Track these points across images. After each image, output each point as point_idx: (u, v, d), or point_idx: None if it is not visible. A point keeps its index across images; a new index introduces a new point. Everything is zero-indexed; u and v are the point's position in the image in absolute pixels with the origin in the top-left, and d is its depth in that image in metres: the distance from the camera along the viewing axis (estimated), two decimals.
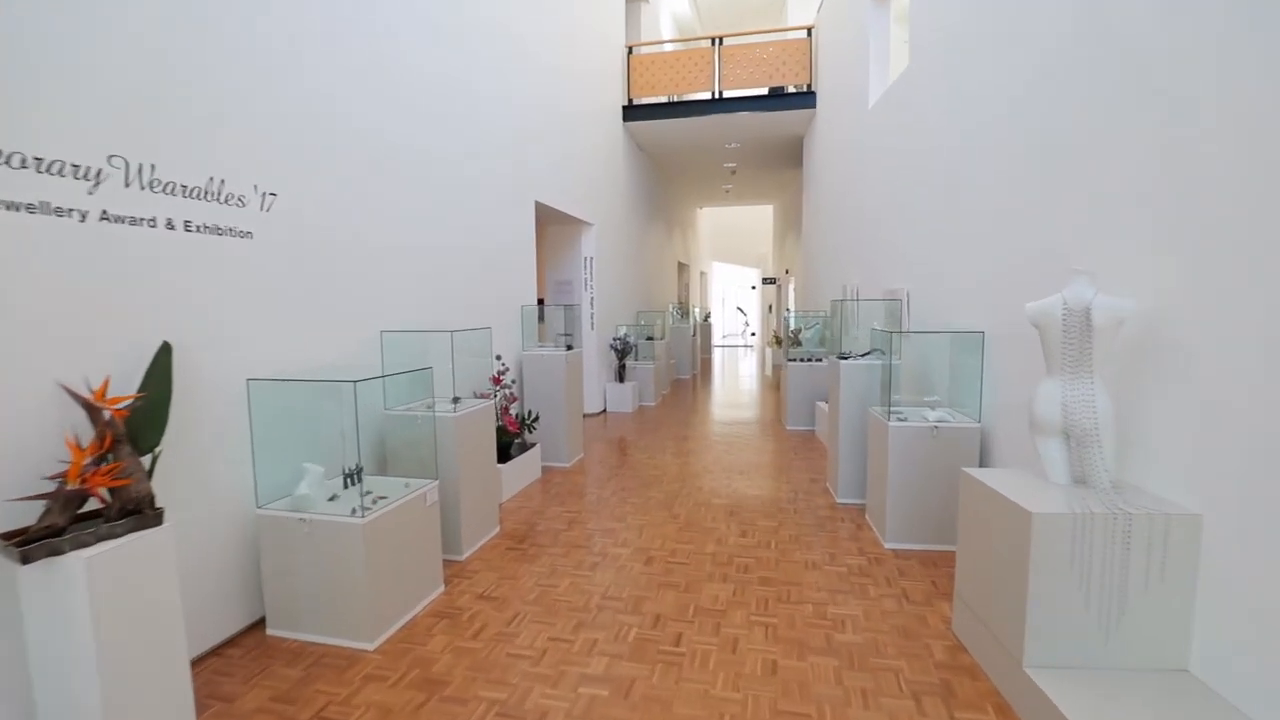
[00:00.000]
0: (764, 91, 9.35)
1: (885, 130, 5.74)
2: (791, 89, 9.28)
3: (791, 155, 11.33)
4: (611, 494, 4.87)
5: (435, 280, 4.44)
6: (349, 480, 3.09)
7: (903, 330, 4.77)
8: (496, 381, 4.95)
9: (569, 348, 5.81)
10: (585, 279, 8.10)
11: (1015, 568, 2.27)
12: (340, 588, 2.69)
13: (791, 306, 14.18)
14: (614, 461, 5.88)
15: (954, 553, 3.57)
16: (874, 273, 6.03)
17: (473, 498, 3.75)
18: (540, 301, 8.29)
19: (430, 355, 3.82)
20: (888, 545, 3.74)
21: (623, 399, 8.55)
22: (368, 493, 3.00)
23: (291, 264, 3.08)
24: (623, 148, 9.53)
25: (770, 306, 19.90)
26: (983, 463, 3.65)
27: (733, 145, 10.67)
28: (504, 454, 4.91)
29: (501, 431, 4.85)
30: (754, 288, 22.62)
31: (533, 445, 5.31)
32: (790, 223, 13.98)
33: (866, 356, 4.73)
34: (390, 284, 3.91)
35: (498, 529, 4.09)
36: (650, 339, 10.05)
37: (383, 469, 3.67)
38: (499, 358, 5.06)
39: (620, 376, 8.68)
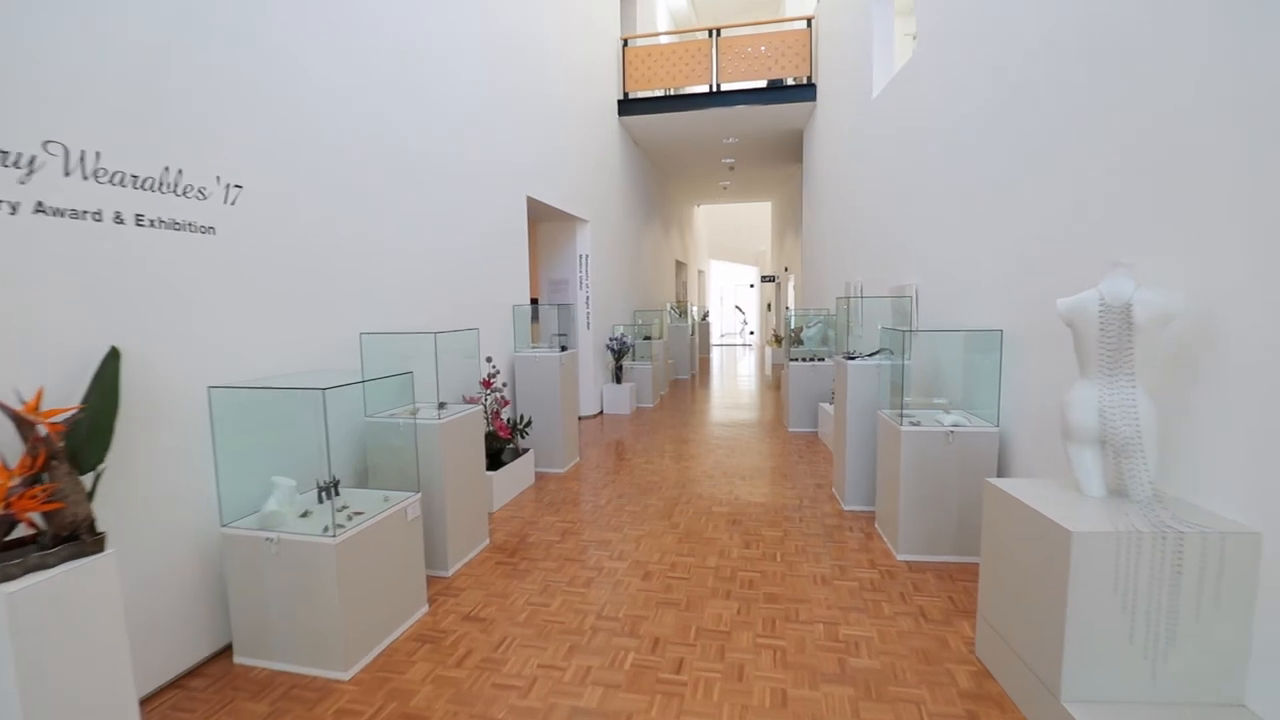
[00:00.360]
0: (763, 84, 9.13)
1: (890, 120, 5.53)
2: (790, 81, 9.07)
3: (791, 150, 11.12)
4: (608, 502, 4.65)
5: (420, 280, 4.22)
6: (324, 494, 2.87)
7: (913, 329, 4.55)
8: (487, 385, 4.73)
9: (563, 349, 5.59)
10: (580, 278, 7.88)
11: (1050, 591, 2.06)
12: (312, 613, 2.47)
13: (791, 304, 13.98)
14: (611, 467, 5.67)
15: (972, 565, 3.37)
16: (879, 269, 5.82)
17: (460, 509, 3.54)
18: (534, 301, 8.07)
19: (415, 359, 3.60)
20: (900, 557, 3.53)
21: (620, 401, 8.34)
22: (343, 508, 2.78)
23: (260, 262, 2.86)
24: (618, 143, 9.31)
25: (769, 305, 19.72)
26: (1001, 470, 3.44)
27: (731, 140, 10.46)
28: (495, 461, 4.69)
29: (492, 437, 4.64)
30: (752, 286, 22.43)
31: (525, 451, 5.09)
32: (789, 220, 13.78)
33: (874, 356, 4.52)
34: (371, 283, 3.68)
35: (487, 541, 3.87)
36: (648, 339, 9.84)
37: (364, 481, 3.45)
38: (489, 360, 4.84)
39: (617, 377, 8.47)
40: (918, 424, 3.54)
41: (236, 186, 2.74)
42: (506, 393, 5.39)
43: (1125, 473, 2.18)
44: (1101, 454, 2.29)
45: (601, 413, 8.36)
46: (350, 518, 2.66)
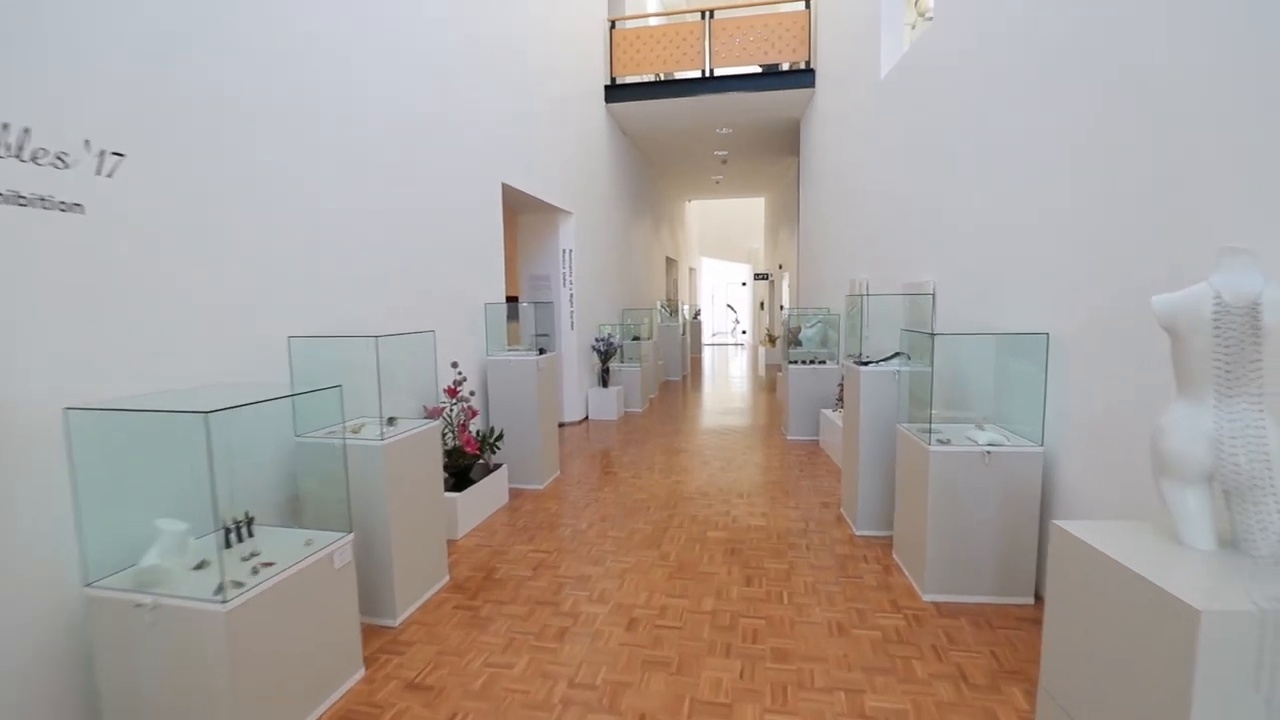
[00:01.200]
0: (758, 70, 8.63)
1: (901, 103, 5.03)
2: (786, 67, 8.57)
3: (787, 142, 10.63)
4: (589, 526, 4.12)
5: (375, 274, 3.67)
6: (231, 537, 2.32)
7: (935, 331, 4.05)
8: (451, 393, 4.19)
9: (541, 351, 5.05)
10: (564, 274, 7.33)
11: (1157, 680, 1.56)
12: (198, 698, 1.93)
13: (786, 303, 13.50)
14: (594, 482, 5.14)
15: (1014, 608, 2.87)
16: (889, 265, 5.32)
17: (410, 545, 3.00)
18: (512, 299, 7.53)
19: (361, 367, 3.06)
20: (927, 597, 3.03)
21: (606, 405, 7.81)
22: (250, 555, 2.23)
23: (149, 249, 2.30)
24: (605, 132, 8.77)
25: (762, 303, 19.26)
26: (1047, 497, 2.94)
27: (724, 131, 9.95)
28: (462, 479, 4.15)
29: (457, 454, 4.09)
30: (744, 284, 21.95)
31: (498, 467, 4.55)
32: (784, 215, 13.29)
33: (890, 361, 4.02)
34: (307, 278, 3.13)
35: (446, 579, 3.33)
36: (636, 339, 9.31)
37: (293, 516, 2.90)
38: (455, 365, 4.30)
39: (603, 381, 7.94)
40: (947, 442, 3.03)
41: (116, 154, 2.18)
42: (476, 401, 4.85)
43: (1246, 520, 1.68)
44: (1211, 495, 1.78)
45: (587, 419, 7.83)
46: (257, 570, 2.11)
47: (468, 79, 4.84)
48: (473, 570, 3.46)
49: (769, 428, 7.26)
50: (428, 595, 3.13)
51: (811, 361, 6.73)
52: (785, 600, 3.07)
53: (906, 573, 3.30)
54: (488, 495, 4.33)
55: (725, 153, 11.53)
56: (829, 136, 7.62)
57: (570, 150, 7.27)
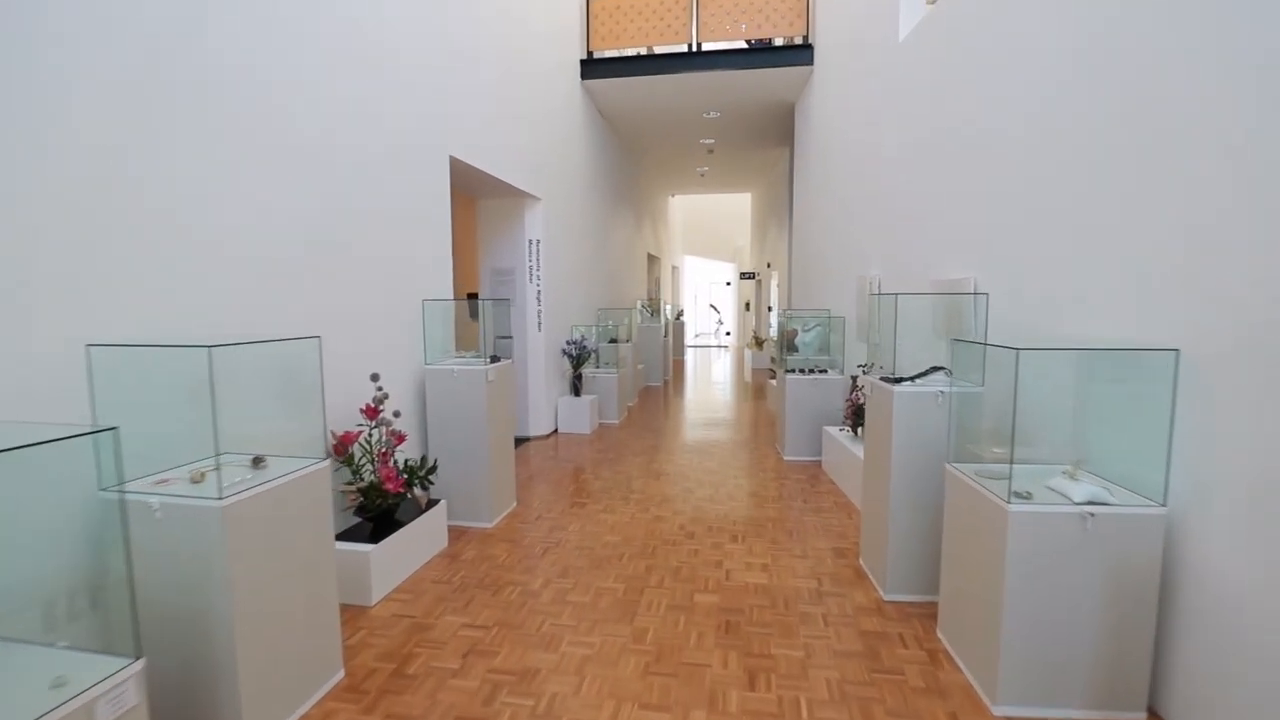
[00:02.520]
0: (751, 45, 7.80)
1: (925, 68, 4.21)
2: (781, 43, 7.75)
3: (778, 129, 9.82)
4: (544, 584, 3.24)
5: (272, 266, 2.75)
6: None
7: (1000, 342, 3.21)
8: (371, 414, 3.28)
9: (493, 359, 4.15)
10: (530, 267, 6.43)
11: None
12: None
13: (774, 303, 12.72)
14: (557, 517, 4.25)
15: None
16: (911, 259, 4.51)
17: (274, 643, 2.09)
18: (472, 296, 6.62)
19: (220, 386, 2.14)
20: (999, 710, 2.20)
21: (579, 417, 6.91)
22: None
23: None
24: (581, 112, 7.87)
25: (748, 304, 18.51)
26: (1168, 576, 2.12)
27: (711, 115, 9.11)
28: (385, 524, 3.25)
29: (375, 493, 3.18)
30: (729, 284, 21.19)
31: (434, 504, 3.64)
32: (773, 211, 12.51)
33: (928, 378, 3.19)
34: (175, 267, 2.21)
35: (340, 675, 2.42)
36: (614, 341, 8.43)
37: (97, 599, 1.97)
38: (375, 379, 3.38)
39: (576, 389, 7.04)
40: (1027, 496, 2.20)
41: None
42: (410, 421, 3.93)
43: None
44: None
45: (556, 432, 6.93)
46: None
47: (410, 44, 3.92)
48: (380, 659, 2.56)
49: (761, 444, 6.43)
50: (304, 709, 2.23)
51: (811, 370, 5.91)
52: (804, 712, 2.21)
53: (963, 667, 2.46)
54: (418, 542, 3.42)
55: (712, 141, 10.70)
56: (830, 117, 6.81)
57: (538, 128, 6.36)
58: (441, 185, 4.41)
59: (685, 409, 8.70)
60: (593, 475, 5.26)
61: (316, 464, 2.33)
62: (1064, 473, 2.34)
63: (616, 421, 7.50)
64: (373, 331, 3.61)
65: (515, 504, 4.47)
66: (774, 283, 12.78)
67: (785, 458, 5.72)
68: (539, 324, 6.50)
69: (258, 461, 2.26)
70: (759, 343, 13.59)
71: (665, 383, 11.40)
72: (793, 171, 10.44)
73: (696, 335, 21.54)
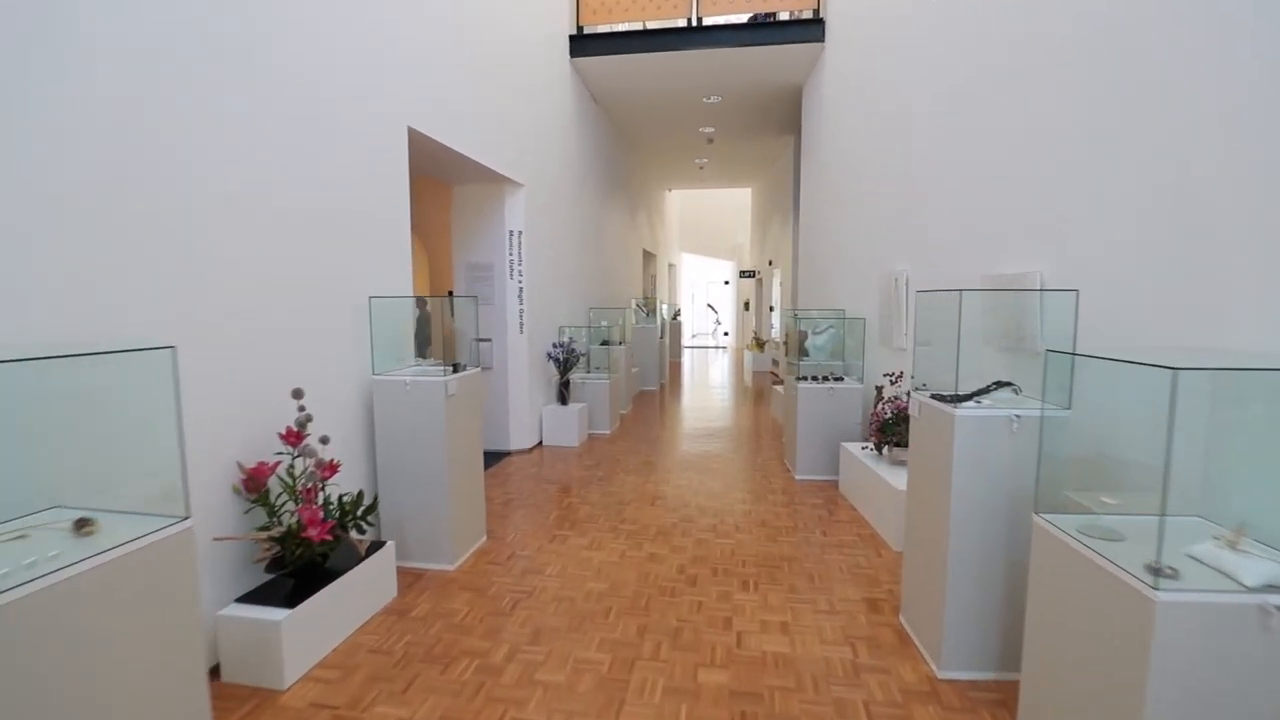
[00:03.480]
0: (755, 19, 7.14)
1: (975, 14, 3.56)
2: (788, 17, 7.09)
3: (783, 116, 9.17)
4: (509, 655, 2.58)
5: (181, 257, 2.08)
6: None
7: (1080, 352, 2.55)
8: (293, 439, 2.61)
9: (455, 368, 3.48)
10: (511, 261, 5.76)
11: None
12: None
13: (777, 302, 12.09)
14: (532, 555, 3.59)
15: None
16: (948, 252, 3.85)
17: None
18: (447, 294, 5.96)
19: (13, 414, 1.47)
20: None
21: (566, 428, 6.25)
22: None
23: None
24: (570, 93, 7.21)
25: (747, 303, 17.88)
26: None
27: (712, 99, 8.46)
28: (308, 580, 2.58)
29: (294, 543, 2.52)
30: (727, 283, 20.54)
31: (379, 547, 2.98)
32: (776, 205, 11.86)
33: (991, 395, 2.54)
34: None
35: None
36: (606, 344, 7.77)
37: None
38: (298, 395, 2.70)
39: (563, 397, 6.38)
40: (1174, 575, 1.55)
41: None
42: (351, 445, 3.27)
43: None
44: None
45: (540, 444, 6.26)
46: None
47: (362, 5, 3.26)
48: None
49: (768, 459, 5.78)
50: None
51: (825, 378, 5.26)
52: None
53: None
54: (355, 597, 2.76)
55: (712, 130, 10.04)
56: (845, 98, 6.15)
57: (520, 106, 5.70)
58: (398, 162, 3.74)
59: (683, 417, 8.03)
60: (579, 498, 4.60)
61: (173, 528, 1.66)
62: (1219, 539, 1.68)
63: (608, 432, 6.83)
64: (303, 338, 2.94)
65: (485, 538, 3.81)
66: (776, 281, 12.13)
67: (797, 477, 5.07)
68: (521, 325, 5.84)
69: (84, 525, 1.60)
70: (759, 344, 12.95)
71: (661, 387, 10.74)
72: (799, 161, 9.81)
73: (694, 335, 20.89)
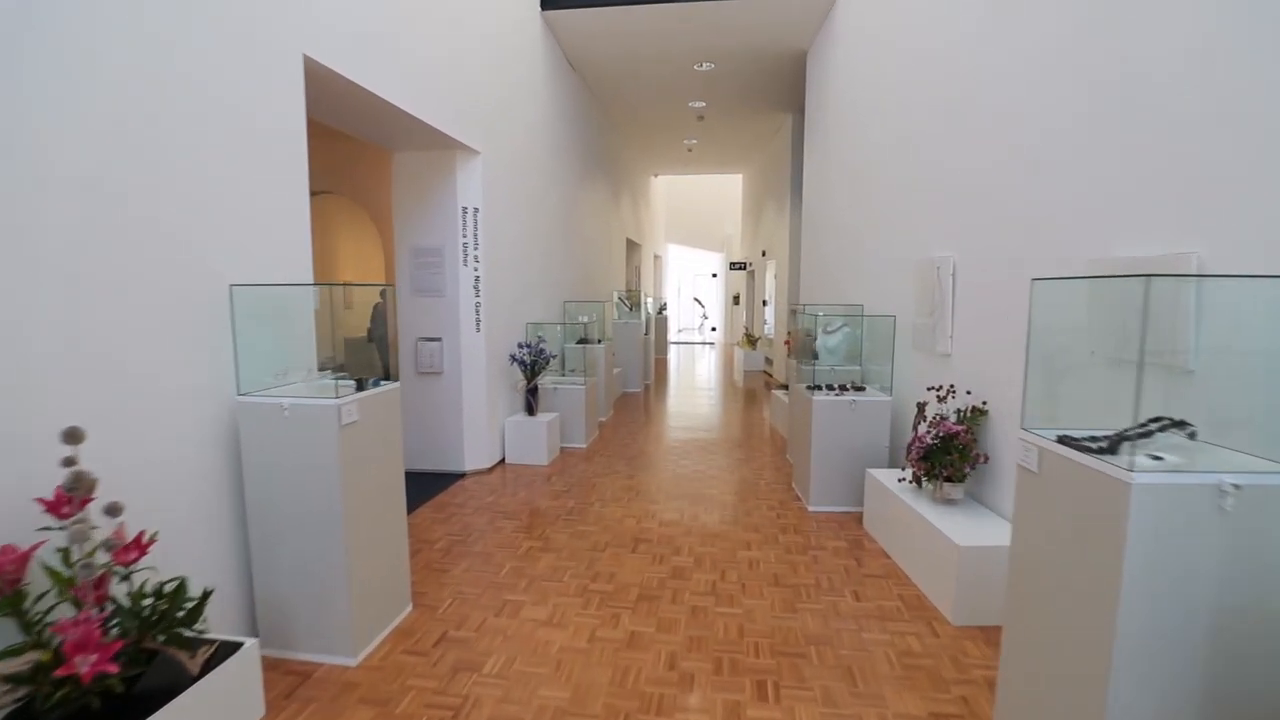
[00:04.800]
0: None
1: None
2: None
3: (782, 89, 8.25)
4: None
5: None
6: None
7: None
8: (60, 509, 1.64)
9: (359, 384, 2.52)
10: (464, 244, 4.78)
11: None
12: None
13: (771, 296, 11.20)
14: (472, 636, 2.65)
15: None
16: (1019, 232, 2.94)
17: None
18: (382, 295, 4.99)
19: None
20: None
21: (533, 443, 5.29)
22: None
23: None
24: (542, 54, 6.22)
25: (736, 297, 17.02)
26: None
27: (704, 67, 7.51)
28: None
29: (47, 682, 1.54)
30: (715, 275, 19.65)
31: (231, 650, 2.01)
32: (772, 190, 10.95)
33: (1154, 442, 1.63)
34: None
35: None
36: (583, 343, 6.82)
37: None
38: (72, 439, 1.72)
39: (530, 406, 5.42)
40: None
41: None
42: (181, 505, 2.29)
43: None
44: None
45: (503, 463, 5.31)
46: None
47: None
48: None
49: (772, 480, 4.87)
50: None
51: (843, 387, 4.36)
52: None
53: None
54: None
55: (703, 104, 9.09)
56: (861, 55, 5.23)
57: (477, 56, 4.71)
58: (288, 103, 2.75)
59: (671, 425, 7.11)
60: (541, 541, 3.66)
61: None
62: None
63: (584, 446, 5.89)
64: (103, 344, 1.96)
65: (410, 607, 2.86)
66: (770, 273, 11.24)
67: (810, 508, 4.17)
68: (478, 322, 4.86)
69: None
70: (751, 341, 12.06)
71: (646, 388, 9.81)
72: (800, 141, 8.92)
73: (680, 331, 19.98)
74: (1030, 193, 2.85)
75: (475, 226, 4.78)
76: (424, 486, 4.59)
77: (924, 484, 3.38)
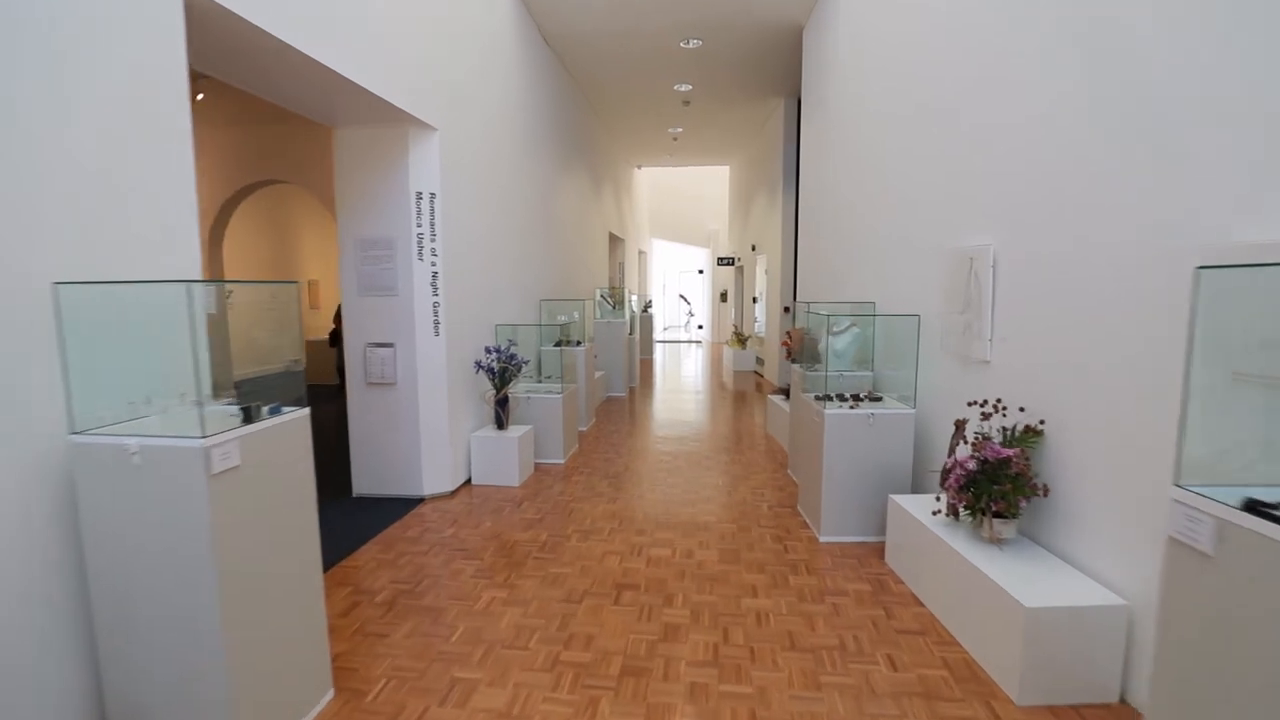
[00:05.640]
0: None
1: None
2: None
3: (775, 71, 7.68)
4: None
5: None
6: None
7: None
8: None
9: (247, 413, 1.89)
10: (420, 236, 4.15)
11: None
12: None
13: (762, 293, 10.65)
14: None
15: None
16: (1086, 214, 2.38)
17: None
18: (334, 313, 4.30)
19: None
20: None
21: (503, 461, 4.67)
22: None
23: None
24: (513, 23, 5.59)
25: (724, 294, 16.49)
26: None
27: (691, 44, 6.91)
28: None
29: None
30: (701, 272, 19.08)
31: None
32: (763, 180, 10.39)
33: None
34: None
35: None
36: (562, 345, 6.21)
37: None
38: None
39: (500, 419, 4.80)
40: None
41: None
42: (66, 554, 1.66)
43: None
44: None
45: (469, 484, 4.68)
46: None
47: None
48: None
49: (776, 502, 4.30)
50: None
51: (858, 398, 3.79)
52: None
53: None
54: None
55: (689, 87, 8.49)
56: (874, 15, 4.66)
57: (429, 16, 4.08)
58: (162, 43, 2.11)
59: (659, 434, 6.51)
60: (505, 590, 3.05)
61: None
62: None
63: (562, 461, 5.28)
64: None
65: (330, 692, 2.24)
66: (760, 268, 10.69)
67: (822, 539, 3.60)
68: (436, 325, 4.23)
69: None
70: (741, 340, 11.51)
71: (631, 391, 9.22)
72: (796, 125, 8.39)
73: (665, 329, 19.40)
74: (1106, 159, 2.29)
75: (432, 214, 4.14)
76: (374, 517, 3.96)
77: (960, 515, 2.83)
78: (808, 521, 3.87)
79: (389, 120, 3.93)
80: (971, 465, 2.71)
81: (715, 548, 3.53)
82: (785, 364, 9.37)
